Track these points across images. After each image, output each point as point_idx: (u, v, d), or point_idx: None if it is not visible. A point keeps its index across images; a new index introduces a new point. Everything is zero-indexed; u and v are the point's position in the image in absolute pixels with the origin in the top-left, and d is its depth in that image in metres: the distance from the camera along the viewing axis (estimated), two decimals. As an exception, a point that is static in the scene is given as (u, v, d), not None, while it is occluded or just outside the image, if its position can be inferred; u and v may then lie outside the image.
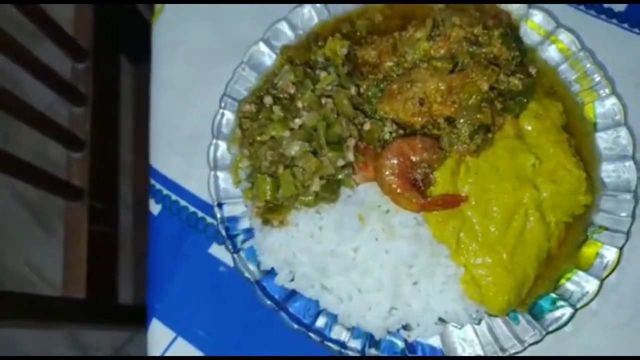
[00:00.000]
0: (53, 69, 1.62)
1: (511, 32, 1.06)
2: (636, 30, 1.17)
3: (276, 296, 1.00)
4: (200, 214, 1.15)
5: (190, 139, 1.19)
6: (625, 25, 1.17)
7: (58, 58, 1.70)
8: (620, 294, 1.01)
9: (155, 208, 1.18)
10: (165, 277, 1.13)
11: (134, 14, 2.07)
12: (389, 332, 0.96)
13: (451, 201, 0.95)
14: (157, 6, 1.31)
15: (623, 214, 0.97)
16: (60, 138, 1.64)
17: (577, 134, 1.04)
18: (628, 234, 0.96)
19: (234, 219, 1.06)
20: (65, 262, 1.63)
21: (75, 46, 1.72)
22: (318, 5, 1.14)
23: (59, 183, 1.62)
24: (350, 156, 0.96)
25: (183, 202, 1.16)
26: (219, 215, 1.06)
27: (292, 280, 0.99)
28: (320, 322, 0.98)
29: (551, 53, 1.09)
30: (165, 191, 1.18)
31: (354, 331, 0.97)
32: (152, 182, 1.20)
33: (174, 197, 1.17)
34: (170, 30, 1.29)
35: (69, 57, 1.73)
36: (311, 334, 0.97)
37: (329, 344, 0.96)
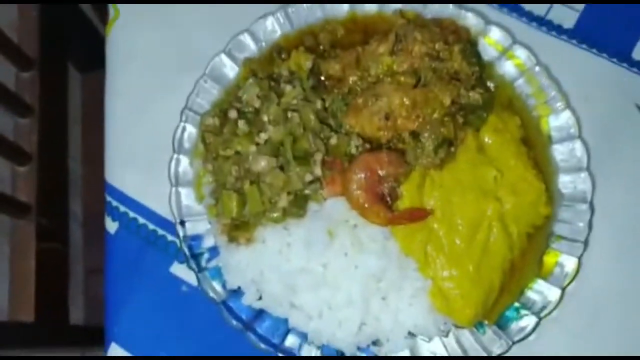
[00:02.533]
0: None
1: (470, 48, 1.08)
2: (584, 46, 1.21)
3: (243, 316, 0.97)
4: (160, 231, 1.10)
5: (148, 153, 1.14)
6: (574, 41, 1.22)
7: (1, 67, 1.61)
8: (578, 300, 1.03)
9: (111, 226, 1.12)
10: (124, 299, 1.08)
11: (82, 20, 1.99)
12: (359, 349, 0.95)
13: (418, 215, 0.95)
14: (112, 14, 1.26)
15: (580, 224, 0.99)
16: (5, 151, 1.55)
17: (534, 146, 1.06)
18: (586, 243, 0.99)
19: (198, 237, 1.02)
20: (11, 283, 1.53)
21: (20, 54, 1.63)
22: (280, 18, 1.12)
23: (4, 199, 1.53)
24: (318, 171, 0.95)
25: (142, 220, 1.11)
26: (181, 234, 1.02)
27: (260, 299, 0.97)
28: (290, 341, 0.96)
29: (508, 68, 1.10)
30: (123, 208, 1.12)
31: (324, 349, 0.95)
32: (108, 198, 1.14)
33: (132, 214, 1.12)
34: (125, 39, 1.23)
35: (13, 66, 1.64)
36: (280, 354, 0.95)
37: (299, 362, 0.95)
